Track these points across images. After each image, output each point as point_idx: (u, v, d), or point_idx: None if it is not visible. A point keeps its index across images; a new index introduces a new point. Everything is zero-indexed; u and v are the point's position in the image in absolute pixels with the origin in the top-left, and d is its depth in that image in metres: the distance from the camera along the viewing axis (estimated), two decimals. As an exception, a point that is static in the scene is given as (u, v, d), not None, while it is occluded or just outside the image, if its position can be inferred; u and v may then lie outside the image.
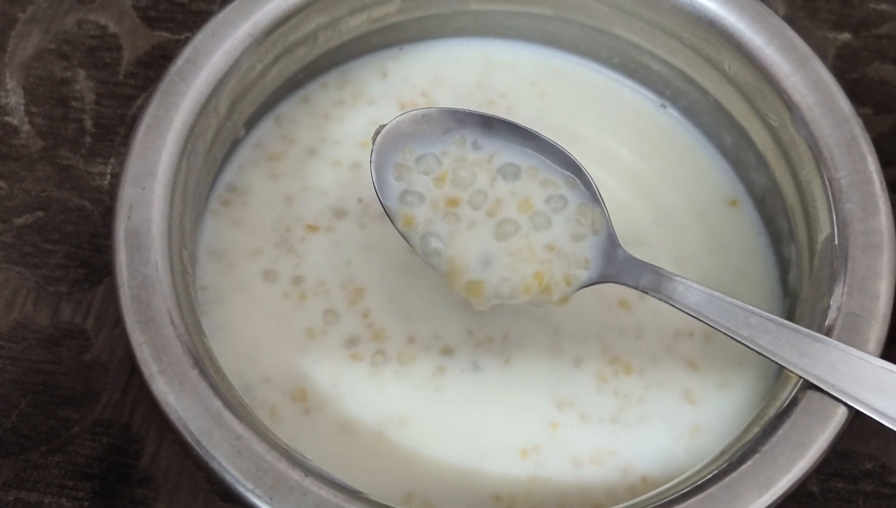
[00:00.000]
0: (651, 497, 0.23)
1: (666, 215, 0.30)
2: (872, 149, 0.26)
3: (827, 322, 0.24)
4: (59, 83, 0.33)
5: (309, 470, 0.22)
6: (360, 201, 0.30)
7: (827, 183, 0.26)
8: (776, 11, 0.29)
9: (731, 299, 0.24)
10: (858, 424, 0.23)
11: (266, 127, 0.31)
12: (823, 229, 0.26)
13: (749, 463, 0.22)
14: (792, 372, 0.23)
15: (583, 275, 0.25)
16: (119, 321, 0.23)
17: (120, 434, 0.28)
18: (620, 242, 0.25)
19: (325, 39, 0.30)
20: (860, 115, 0.27)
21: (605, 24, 0.31)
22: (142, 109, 0.26)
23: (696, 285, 0.24)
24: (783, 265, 0.29)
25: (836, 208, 0.25)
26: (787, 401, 0.23)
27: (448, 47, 0.33)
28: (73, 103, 0.33)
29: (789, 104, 0.27)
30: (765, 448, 0.22)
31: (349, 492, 0.22)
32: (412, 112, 0.26)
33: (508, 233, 0.25)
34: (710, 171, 0.31)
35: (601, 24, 0.31)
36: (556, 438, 0.26)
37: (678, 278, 0.24)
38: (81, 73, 0.33)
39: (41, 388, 0.28)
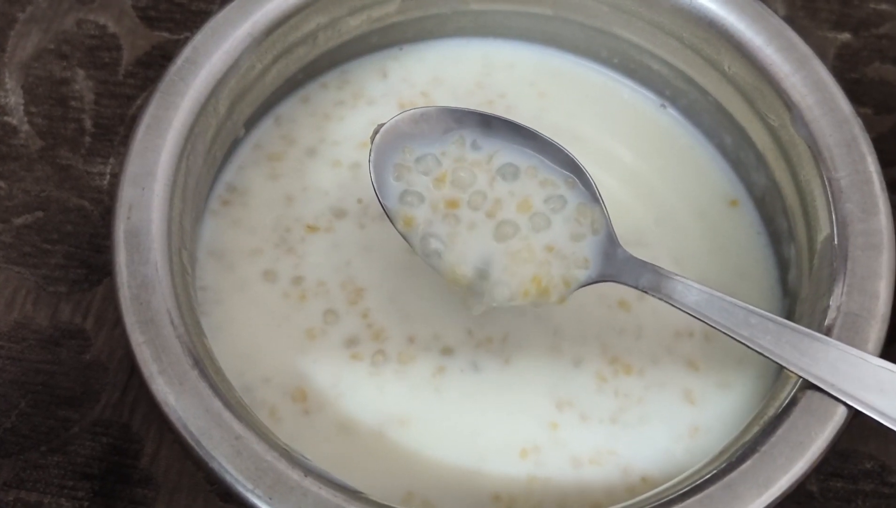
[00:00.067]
0: (650, 497, 0.23)
1: (666, 215, 0.30)
2: (872, 149, 0.26)
3: (826, 322, 0.24)
4: (59, 83, 0.33)
5: (309, 470, 0.22)
6: (359, 201, 0.30)
7: (827, 183, 0.26)
8: (776, 11, 0.29)
9: (730, 299, 0.24)
10: (858, 423, 0.23)
11: (266, 127, 0.31)
12: (823, 229, 0.26)
13: (748, 463, 0.22)
14: (791, 372, 0.23)
15: (582, 275, 0.25)
16: (119, 322, 0.23)
17: (120, 434, 0.28)
18: (620, 241, 0.25)
19: (325, 39, 0.30)
20: (860, 115, 0.27)
21: (605, 24, 0.31)
22: (141, 108, 0.26)
23: (695, 285, 0.24)
24: (783, 265, 0.29)
25: (835, 208, 0.25)
26: (787, 401, 0.23)
27: (448, 47, 0.33)
28: (73, 103, 0.33)
29: (789, 104, 0.27)
30: (764, 448, 0.22)
31: (349, 492, 0.22)
32: (411, 111, 0.26)
33: (508, 234, 0.25)
34: (710, 171, 0.31)
35: (601, 24, 0.31)
36: (556, 438, 0.26)
37: (678, 278, 0.24)
38: (81, 72, 0.33)
39: (41, 388, 0.28)
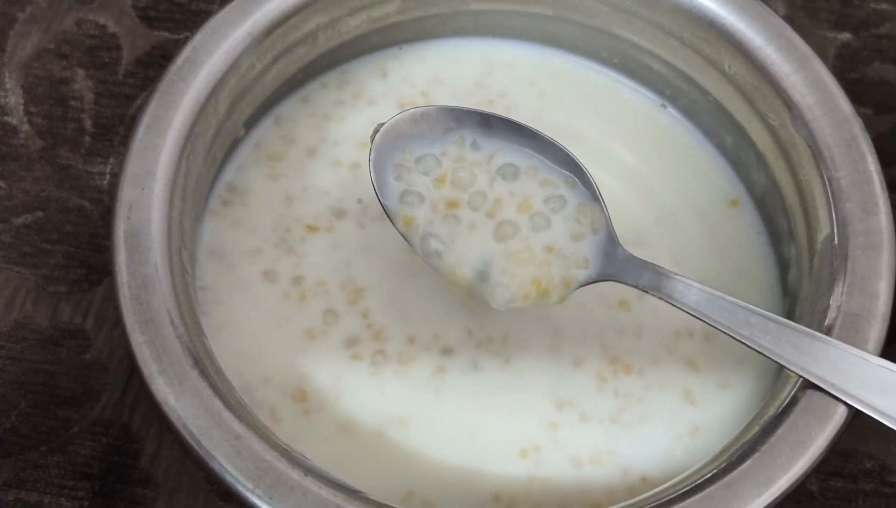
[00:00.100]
0: (650, 497, 0.23)
1: (666, 214, 0.30)
2: (872, 149, 0.26)
3: (827, 322, 0.24)
4: (59, 83, 0.33)
5: (308, 470, 0.22)
6: (359, 201, 0.30)
7: (827, 183, 0.26)
8: (776, 11, 0.29)
9: (731, 298, 0.24)
10: (858, 423, 0.23)
11: (266, 127, 0.31)
12: (823, 229, 0.26)
13: (748, 463, 0.22)
14: (792, 371, 0.23)
15: (582, 274, 0.25)
16: (119, 322, 0.23)
17: (120, 434, 0.28)
18: (620, 241, 0.25)
19: (325, 39, 0.30)
20: (860, 115, 0.27)
21: (605, 24, 0.31)
22: (141, 108, 0.26)
23: (696, 284, 0.24)
24: (783, 265, 0.29)
25: (835, 208, 0.25)
26: (787, 400, 0.23)
27: (448, 47, 0.33)
28: (73, 103, 0.33)
29: (789, 104, 0.27)
30: (764, 448, 0.22)
31: (349, 492, 0.22)
32: (411, 110, 0.26)
33: (508, 235, 0.25)
34: (710, 171, 0.31)
35: (601, 23, 0.31)
36: (556, 438, 0.26)
37: (678, 277, 0.24)
38: (81, 72, 0.33)
39: (41, 388, 0.28)
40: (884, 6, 0.36)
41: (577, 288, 0.25)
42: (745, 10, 0.28)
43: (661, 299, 0.24)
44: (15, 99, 0.33)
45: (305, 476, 0.22)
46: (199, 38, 0.27)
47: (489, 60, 0.33)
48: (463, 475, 0.26)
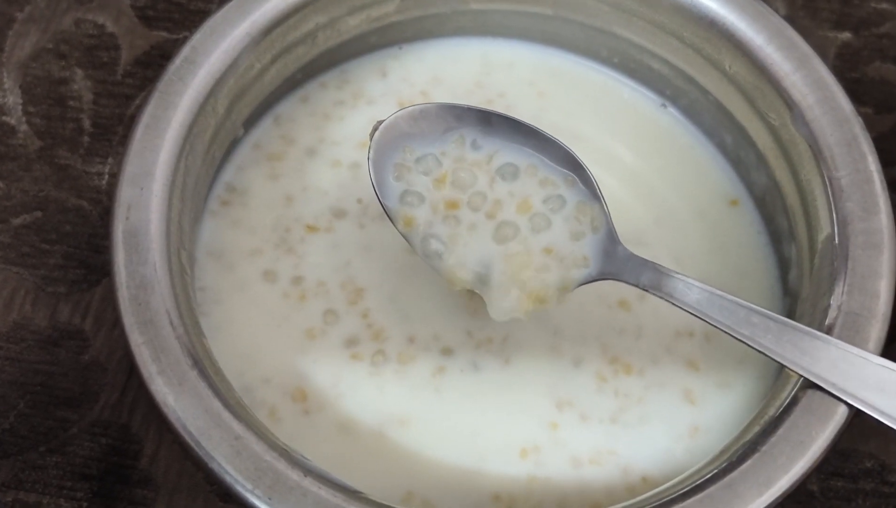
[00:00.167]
0: (651, 497, 0.23)
1: (666, 214, 0.30)
2: (873, 148, 0.26)
3: (827, 321, 0.24)
4: (57, 83, 0.33)
5: (308, 470, 0.22)
6: (359, 201, 0.30)
7: (827, 182, 0.26)
8: (777, 11, 0.29)
9: (731, 297, 0.24)
10: (858, 423, 0.23)
11: (265, 127, 0.31)
12: (824, 229, 0.26)
13: (749, 462, 0.22)
14: (792, 371, 0.23)
15: (582, 273, 0.25)
16: (118, 322, 0.23)
17: (119, 435, 0.28)
18: (620, 240, 0.25)
19: (324, 39, 0.30)
20: (861, 114, 0.27)
21: (605, 24, 0.31)
22: (140, 108, 0.26)
23: (696, 283, 0.24)
24: (783, 265, 0.29)
25: (836, 208, 0.25)
26: (788, 400, 0.23)
27: (447, 47, 0.33)
28: (71, 103, 0.33)
29: (790, 103, 0.27)
30: (765, 447, 0.22)
31: (349, 492, 0.22)
32: (410, 108, 0.26)
33: (508, 236, 0.25)
34: (711, 170, 0.31)
35: (601, 23, 0.31)
36: (556, 438, 0.26)
37: (679, 276, 0.24)
38: (79, 72, 0.33)
39: (39, 389, 0.28)
40: (884, 5, 0.36)
41: (577, 287, 0.25)
42: (746, 9, 0.28)
43: (661, 297, 0.24)
44: (13, 99, 0.33)
45: (305, 476, 0.22)
46: (198, 37, 0.27)
47: (489, 60, 0.33)
48: (463, 475, 0.26)
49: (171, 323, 0.23)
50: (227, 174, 0.30)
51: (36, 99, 0.33)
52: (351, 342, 0.27)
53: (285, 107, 0.31)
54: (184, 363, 0.23)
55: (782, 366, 0.24)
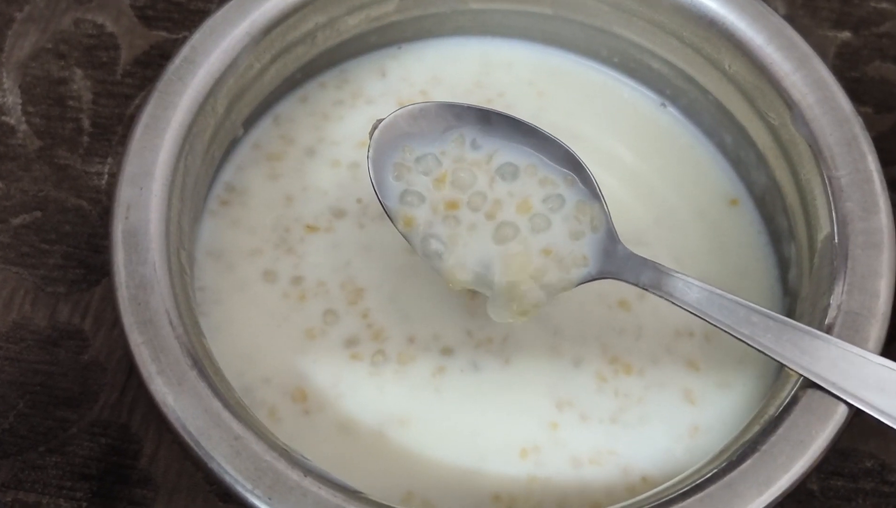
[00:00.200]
0: (650, 497, 0.23)
1: (666, 214, 0.30)
2: (872, 147, 0.26)
3: (827, 321, 0.24)
4: (57, 83, 0.33)
5: (308, 470, 0.22)
6: (359, 201, 0.29)
7: (827, 182, 0.26)
8: (776, 10, 0.29)
9: (731, 297, 0.24)
10: (858, 422, 0.23)
11: (264, 127, 0.31)
12: (823, 228, 0.26)
13: (749, 462, 0.22)
14: (792, 370, 0.23)
15: (581, 273, 0.25)
16: (117, 322, 0.23)
17: (118, 435, 0.27)
18: (620, 239, 0.25)
19: (324, 39, 0.30)
20: (860, 113, 0.27)
21: (605, 23, 0.31)
22: (139, 108, 0.26)
23: (696, 282, 0.24)
24: (783, 264, 0.29)
25: (836, 207, 0.25)
26: (787, 399, 0.23)
27: (447, 46, 0.33)
28: (71, 103, 0.33)
29: (789, 103, 0.27)
30: (765, 447, 0.22)
31: (349, 492, 0.22)
32: (409, 107, 0.26)
33: (508, 236, 0.25)
34: (711, 170, 0.31)
35: (601, 22, 0.31)
36: (556, 438, 0.26)
37: (678, 275, 0.24)
38: (79, 72, 0.33)
39: (39, 388, 0.28)
40: (884, 5, 0.36)
41: (577, 286, 0.25)
42: (746, 9, 0.28)
43: (661, 297, 0.24)
44: (13, 99, 0.33)
45: (305, 476, 0.22)
46: (198, 37, 0.27)
47: (488, 60, 0.33)
48: (463, 475, 0.26)
49: (171, 323, 0.23)
50: (227, 174, 0.30)
51: (35, 99, 0.33)
52: (351, 342, 0.27)
53: (285, 107, 0.31)
54: (183, 363, 0.23)
55: (782, 365, 0.24)
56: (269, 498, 0.21)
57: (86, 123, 0.33)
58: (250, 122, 0.30)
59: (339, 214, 0.29)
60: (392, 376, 0.27)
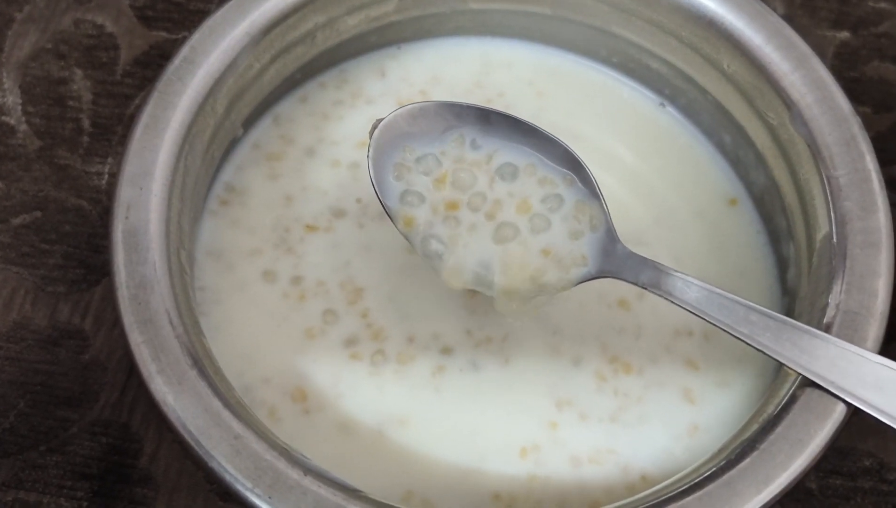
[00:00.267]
0: (650, 495, 0.23)
1: (665, 214, 0.30)
2: (871, 147, 0.26)
3: (825, 320, 0.24)
4: (57, 83, 0.33)
5: (308, 469, 0.22)
6: (358, 201, 0.30)
7: (825, 181, 0.26)
8: (775, 10, 0.29)
9: (730, 296, 0.24)
10: (857, 421, 0.23)
11: (264, 127, 0.31)
12: (822, 228, 0.26)
13: (748, 461, 0.22)
14: (791, 369, 0.23)
15: (580, 272, 0.25)
16: (117, 321, 0.23)
17: (119, 434, 0.28)
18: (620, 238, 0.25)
19: (324, 39, 0.30)
20: (859, 113, 0.27)
21: (604, 23, 0.31)
22: (139, 108, 0.26)
23: (695, 281, 0.24)
24: (782, 264, 0.29)
25: (834, 207, 0.25)
26: (786, 398, 0.23)
27: (446, 46, 0.33)
28: (71, 103, 0.33)
29: (788, 103, 0.27)
30: (763, 446, 0.22)
31: (348, 491, 0.22)
32: (409, 106, 0.26)
33: (507, 237, 0.25)
34: (710, 170, 0.31)
35: (600, 23, 0.31)
36: (556, 437, 0.26)
37: (678, 274, 0.24)
38: (79, 72, 0.33)
39: (39, 388, 0.28)
40: (882, 5, 0.36)
41: (576, 285, 0.25)
42: (744, 8, 0.28)
43: (660, 296, 0.24)
44: (13, 99, 0.33)
45: (305, 475, 0.22)
46: (197, 37, 0.27)
47: (488, 60, 0.33)
48: (463, 474, 0.26)
49: (171, 323, 0.23)
50: (227, 174, 0.30)
51: (35, 99, 0.33)
52: (350, 342, 0.27)
53: (284, 107, 0.31)
54: (183, 363, 0.23)
55: (781, 364, 0.24)
56: (269, 497, 0.21)
57: (86, 123, 0.33)
58: (250, 122, 0.30)
59: (338, 214, 0.29)
60: (392, 375, 0.27)
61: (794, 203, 0.28)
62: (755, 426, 0.23)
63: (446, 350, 0.27)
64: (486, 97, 0.32)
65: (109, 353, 0.29)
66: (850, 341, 0.23)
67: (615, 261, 0.25)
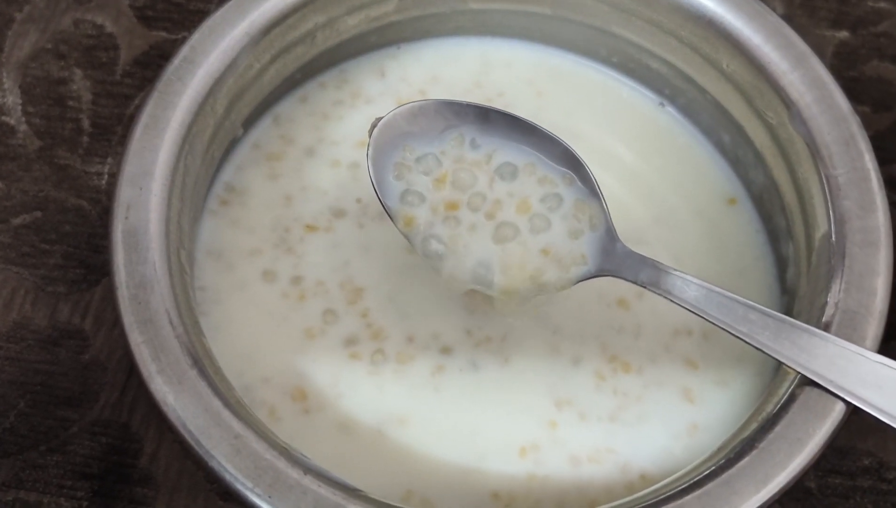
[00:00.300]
0: (649, 494, 0.23)
1: (665, 213, 0.30)
2: (870, 146, 0.26)
3: (824, 319, 0.24)
4: (56, 83, 0.33)
5: (308, 469, 0.22)
6: (358, 200, 0.30)
7: (825, 180, 0.26)
8: (774, 9, 0.29)
9: (730, 294, 0.24)
10: (856, 420, 0.23)
11: (264, 127, 0.31)
12: (821, 227, 0.26)
13: (747, 459, 0.22)
14: (790, 368, 0.23)
15: (580, 271, 0.25)
16: (117, 321, 0.23)
17: (119, 434, 0.28)
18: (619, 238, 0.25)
19: (323, 39, 0.30)
20: (858, 112, 0.27)
21: (604, 23, 0.31)
22: (139, 108, 0.26)
23: (694, 280, 0.24)
24: (781, 263, 0.29)
25: (833, 206, 0.26)
26: (785, 397, 0.23)
27: (446, 46, 0.33)
28: (71, 103, 0.33)
29: (787, 102, 0.27)
30: (762, 445, 0.22)
31: (348, 490, 0.22)
32: (408, 105, 0.26)
33: (507, 237, 0.25)
34: (709, 169, 0.31)
35: (600, 22, 0.31)
36: (555, 437, 0.26)
37: (677, 273, 0.24)
38: (78, 72, 0.33)
39: (39, 388, 0.28)
40: (882, 4, 0.36)
41: (576, 283, 0.25)
42: (743, 8, 0.28)
43: (660, 294, 0.24)
44: (13, 99, 0.33)
45: (305, 474, 0.22)
46: (197, 37, 0.27)
47: (487, 59, 0.33)
48: (462, 473, 0.26)
49: (171, 322, 0.23)
50: (227, 174, 0.30)
51: (35, 99, 0.33)
52: (350, 342, 0.27)
53: (284, 107, 0.31)
54: (183, 363, 0.23)
55: (780, 363, 0.24)
56: (269, 497, 0.21)
57: (86, 123, 0.33)
58: (250, 122, 0.30)
59: (338, 214, 0.29)
60: (391, 375, 0.27)
61: (793, 202, 0.28)
62: (754, 425, 0.23)
63: (446, 350, 0.27)
64: (485, 97, 0.32)
65: (109, 353, 0.29)
66: (850, 339, 0.23)
67: (615, 260, 0.25)
